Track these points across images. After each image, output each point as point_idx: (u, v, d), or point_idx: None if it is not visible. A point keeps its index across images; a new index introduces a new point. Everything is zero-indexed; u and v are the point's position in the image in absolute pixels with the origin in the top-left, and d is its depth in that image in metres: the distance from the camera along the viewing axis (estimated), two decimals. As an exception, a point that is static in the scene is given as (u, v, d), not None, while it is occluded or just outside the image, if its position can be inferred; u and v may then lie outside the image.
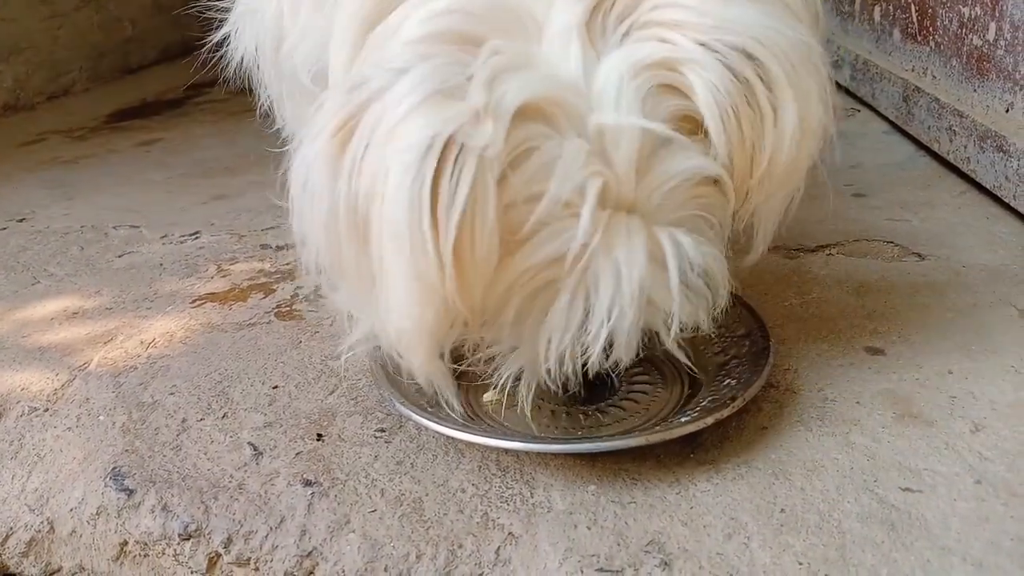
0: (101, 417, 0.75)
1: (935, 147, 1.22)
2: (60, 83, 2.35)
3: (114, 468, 0.68)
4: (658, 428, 0.64)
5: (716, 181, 0.57)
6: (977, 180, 1.09)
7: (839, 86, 1.66)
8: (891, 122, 1.40)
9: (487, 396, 0.75)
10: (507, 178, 0.51)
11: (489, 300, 0.55)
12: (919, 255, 0.93)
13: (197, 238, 1.16)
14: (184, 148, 1.69)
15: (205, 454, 0.69)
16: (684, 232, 0.56)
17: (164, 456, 0.69)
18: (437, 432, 0.66)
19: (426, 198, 0.49)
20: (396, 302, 0.52)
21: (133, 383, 0.80)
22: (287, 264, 1.05)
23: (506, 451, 0.65)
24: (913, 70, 1.32)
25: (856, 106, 1.56)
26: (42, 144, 1.88)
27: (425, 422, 0.65)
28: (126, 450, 0.70)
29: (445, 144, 0.48)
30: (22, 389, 0.81)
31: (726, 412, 0.63)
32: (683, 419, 0.65)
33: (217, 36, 0.84)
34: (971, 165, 1.10)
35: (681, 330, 0.57)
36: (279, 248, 1.10)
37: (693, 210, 0.57)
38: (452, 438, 0.65)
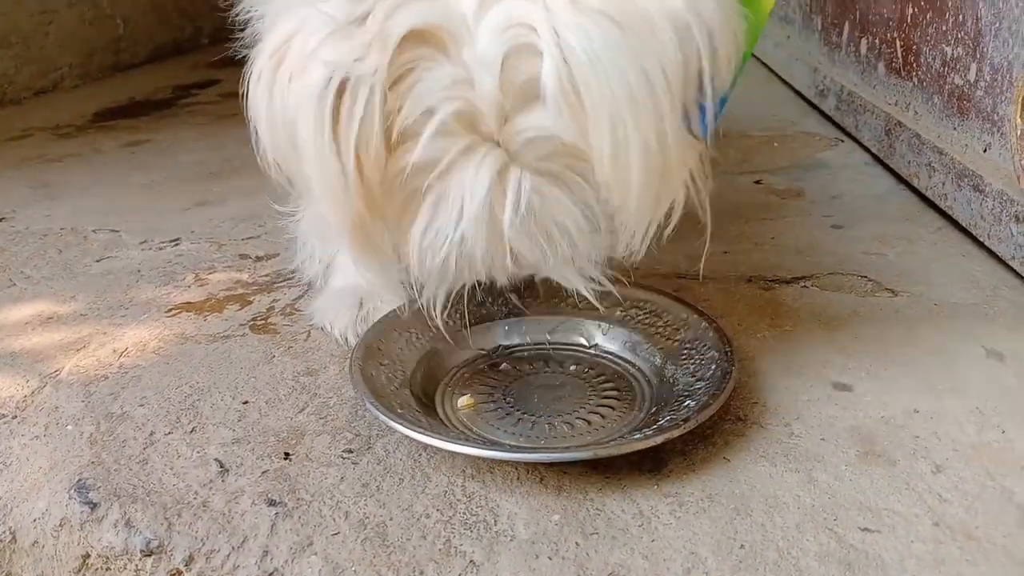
0: (69, 427, 0.75)
1: (914, 182, 1.23)
2: (49, 79, 2.34)
3: (79, 480, 0.68)
4: (612, 443, 0.65)
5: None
6: (954, 217, 1.10)
7: (824, 115, 1.68)
8: (873, 154, 1.41)
9: (461, 401, 0.75)
10: (386, 93, 0.60)
11: (386, 204, 0.64)
12: (892, 291, 0.94)
13: (177, 245, 1.16)
14: (170, 151, 1.69)
15: (171, 469, 0.69)
16: (541, 179, 0.63)
17: (130, 470, 0.69)
18: (402, 433, 0.66)
19: (327, 121, 0.60)
20: (320, 200, 0.64)
21: (103, 393, 0.80)
22: (265, 275, 1.05)
23: (464, 457, 0.66)
24: (896, 104, 1.33)
25: (840, 136, 1.57)
26: (28, 140, 1.87)
27: (393, 424, 0.66)
28: (92, 462, 0.70)
29: (342, 79, 0.59)
30: (-9, 395, 0.81)
31: (676, 433, 0.64)
32: (636, 436, 0.65)
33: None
34: (948, 202, 1.12)
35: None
36: (258, 259, 1.10)
37: (561, 168, 0.63)
38: (416, 440, 0.66)
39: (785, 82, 2.00)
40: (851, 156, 1.47)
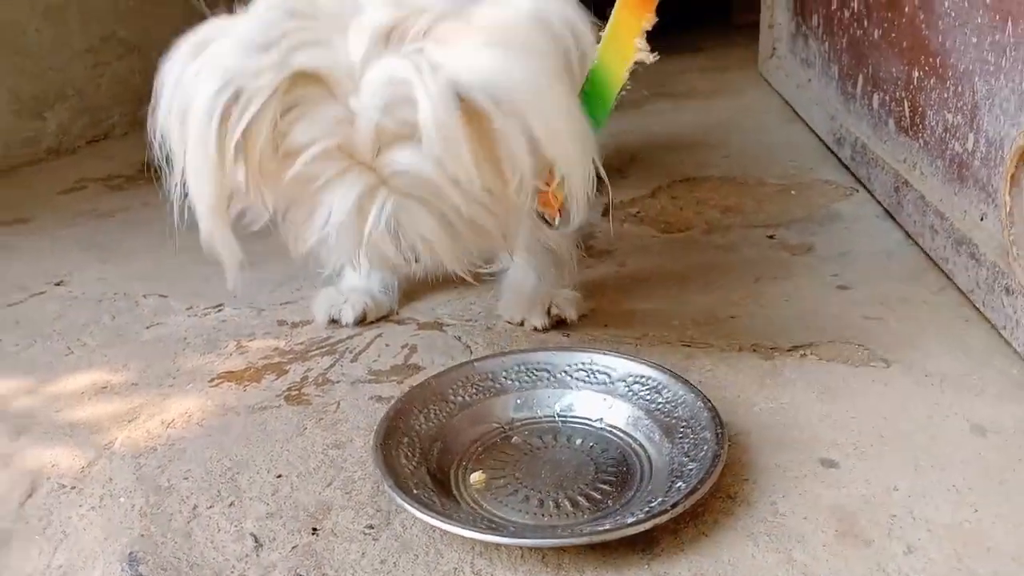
0: (122, 499, 0.83)
1: (920, 241, 1.27)
2: (101, 128, 2.47)
3: (131, 553, 0.76)
4: (607, 526, 0.71)
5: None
6: (954, 281, 1.15)
7: (841, 163, 1.72)
8: (885, 208, 1.45)
9: (474, 477, 0.82)
10: (280, 118, 0.75)
11: (273, 187, 0.81)
12: (886, 360, 0.99)
13: (220, 311, 1.24)
14: (214, 205, 1.79)
15: (212, 543, 0.76)
16: (405, 201, 0.78)
17: (175, 543, 0.77)
18: (416, 517, 0.73)
19: (216, 118, 0.74)
20: (194, 179, 0.78)
21: (152, 465, 0.88)
22: (300, 343, 1.13)
23: (472, 543, 0.72)
24: (904, 162, 1.37)
25: (855, 185, 1.62)
26: (81, 193, 1.99)
27: (408, 507, 0.73)
28: (142, 535, 0.78)
29: (232, 90, 0.73)
30: (52, 465, 0.90)
31: (664, 518, 0.70)
32: (629, 519, 0.71)
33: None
34: (949, 265, 1.16)
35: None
36: (294, 325, 1.19)
37: (425, 194, 0.78)
38: (428, 524, 0.73)
39: (806, 123, 2.04)
40: (864, 208, 1.51)
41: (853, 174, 1.64)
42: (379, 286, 1.21)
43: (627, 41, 0.83)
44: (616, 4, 0.84)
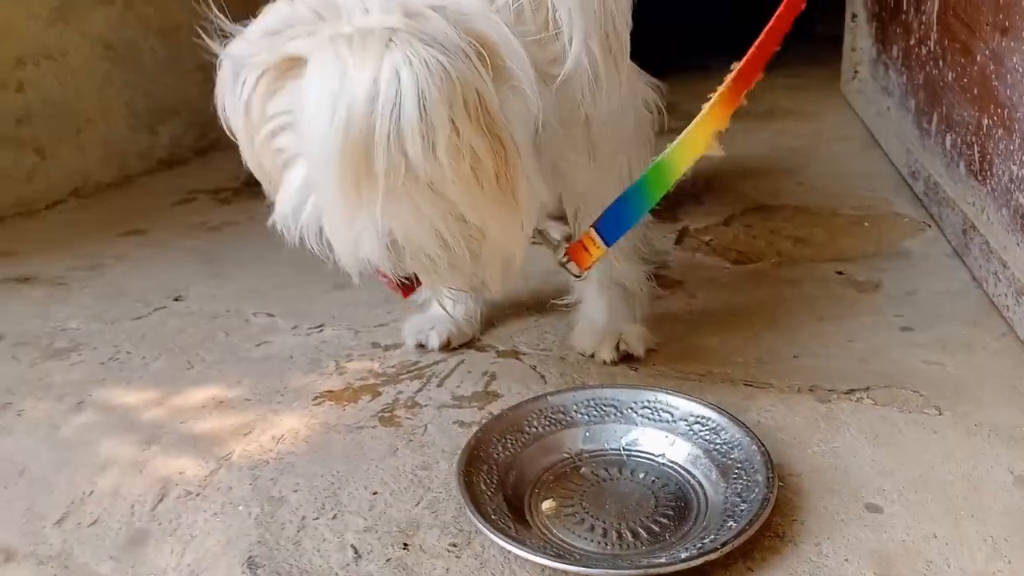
0: (240, 507, 0.96)
1: (984, 286, 1.32)
2: (208, 139, 2.65)
3: (249, 557, 0.88)
4: (663, 559, 0.80)
5: None
6: (1014, 329, 1.19)
7: (915, 196, 1.75)
8: (953, 247, 1.49)
9: (545, 505, 0.92)
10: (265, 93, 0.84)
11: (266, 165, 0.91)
12: (938, 408, 1.05)
13: (321, 331, 1.37)
14: (312, 222, 1.93)
15: (318, 552, 0.88)
16: None
17: (287, 551, 0.89)
18: (492, 541, 0.84)
19: (227, 89, 0.87)
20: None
21: (266, 477, 1.01)
22: (392, 366, 1.24)
23: (543, 567, 0.82)
24: (973, 205, 1.41)
25: (928, 220, 1.65)
26: (192, 205, 2.16)
27: (486, 532, 0.83)
28: (258, 541, 0.90)
29: (241, 63, 0.85)
30: (180, 473, 1.03)
31: (714, 555, 0.79)
32: (683, 555, 0.80)
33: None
34: (1009, 313, 1.20)
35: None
36: (387, 348, 1.30)
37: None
38: (503, 548, 0.83)
39: (885, 152, 2.07)
40: (934, 246, 1.55)
41: (926, 209, 1.68)
42: (463, 314, 1.31)
43: (705, 137, 0.91)
44: (712, 99, 0.91)
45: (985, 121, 1.36)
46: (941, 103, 1.61)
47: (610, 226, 1.00)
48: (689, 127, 0.93)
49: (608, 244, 1.00)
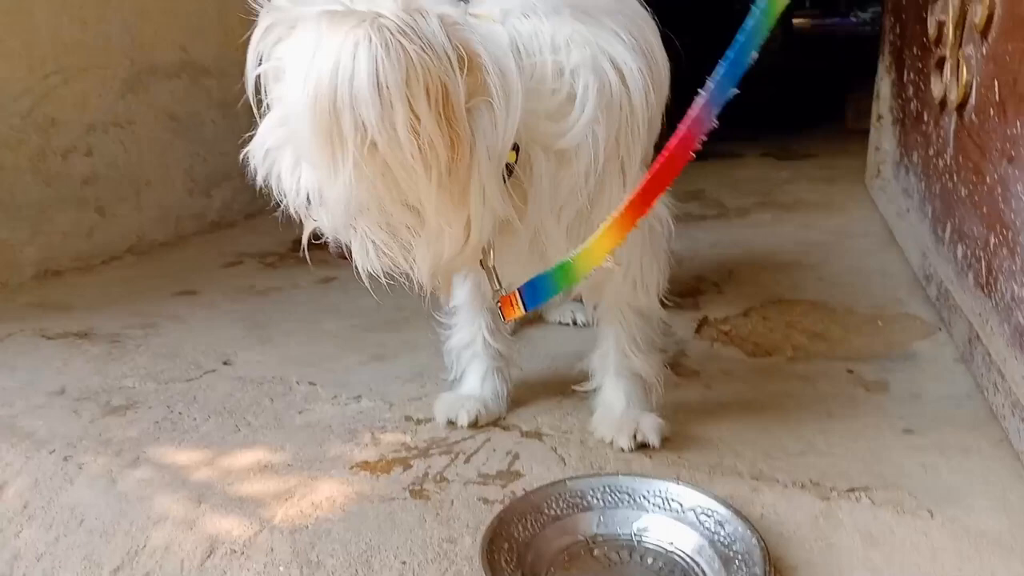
0: (281, 568, 1.05)
1: (985, 393, 1.39)
2: (256, 204, 2.80)
3: (288, 616, 0.97)
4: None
5: None
6: (1009, 438, 1.26)
7: (928, 299, 1.83)
8: (960, 353, 1.57)
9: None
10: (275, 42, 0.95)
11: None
12: (931, 512, 1.12)
13: (359, 402, 1.47)
14: (353, 291, 2.04)
15: (350, 615, 0.97)
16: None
17: (322, 612, 0.97)
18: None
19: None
20: None
21: (304, 541, 1.10)
22: (424, 440, 1.34)
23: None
24: (979, 316, 1.49)
25: (939, 324, 1.73)
26: (240, 268, 2.29)
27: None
28: (296, 601, 0.99)
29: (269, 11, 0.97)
30: (227, 531, 1.13)
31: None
32: None
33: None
34: (1006, 423, 1.28)
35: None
36: (419, 422, 1.40)
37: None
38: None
39: (903, 252, 2.15)
40: (942, 350, 1.63)
41: (938, 313, 1.75)
42: (491, 393, 1.41)
43: (602, 252, 1.01)
44: (607, 222, 1.01)
45: (992, 239, 1.44)
46: (954, 214, 1.70)
47: (528, 296, 1.10)
48: (588, 241, 1.03)
49: (526, 309, 1.10)
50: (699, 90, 0.94)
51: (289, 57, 0.93)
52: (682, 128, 0.95)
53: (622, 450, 1.27)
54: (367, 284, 1.05)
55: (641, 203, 0.99)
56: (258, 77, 0.99)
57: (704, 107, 0.94)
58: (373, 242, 1.00)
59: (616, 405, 1.33)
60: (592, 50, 1.09)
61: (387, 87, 0.87)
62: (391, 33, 0.87)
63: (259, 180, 1.04)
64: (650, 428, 1.28)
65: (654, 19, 1.29)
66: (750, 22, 0.91)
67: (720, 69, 0.93)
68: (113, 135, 2.39)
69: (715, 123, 0.94)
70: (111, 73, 2.36)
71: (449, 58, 0.91)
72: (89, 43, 2.28)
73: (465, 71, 0.93)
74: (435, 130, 0.91)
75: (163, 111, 2.51)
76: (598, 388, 1.37)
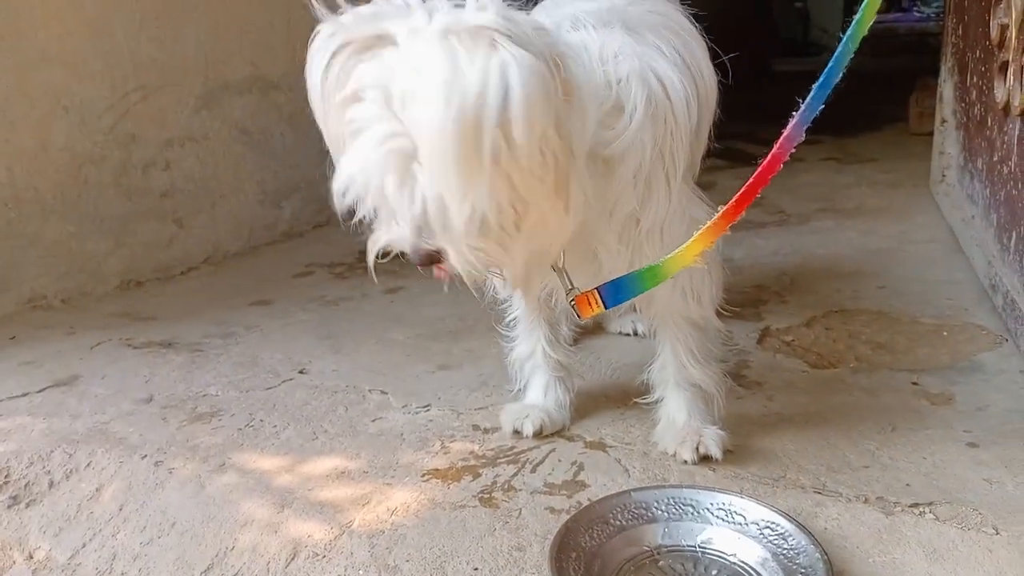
0: (360, 572, 1.11)
1: (1053, 408, 1.39)
2: (324, 215, 2.89)
3: (369, 618, 1.03)
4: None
5: None
6: (1077, 454, 1.26)
7: (994, 308, 1.82)
8: (1027, 365, 1.56)
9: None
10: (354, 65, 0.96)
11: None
12: (995, 528, 1.13)
13: (428, 410, 1.53)
14: (418, 302, 2.11)
15: (427, 618, 1.02)
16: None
17: (401, 615, 1.03)
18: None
19: (315, 53, 0.98)
20: None
21: (381, 546, 1.16)
22: (491, 449, 1.39)
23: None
24: (1046, 328, 1.49)
25: (1005, 335, 1.72)
26: (310, 278, 2.38)
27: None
28: (376, 604, 1.05)
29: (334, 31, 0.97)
30: (308, 536, 1.19)
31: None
32: None
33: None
34: (1074, 439, 1.28)
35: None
36: (486, 431, 1.45)
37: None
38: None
39: (968, 259, 2.13)
40: (1008, 361, 1.62)
41: (1004, 323, 1.74)
42: (554, 404, 1.45)
43: (693, 255, 1.07)
44: (702, 229, 1.06)
45: (1058, 250, 1.44)
46: (1020, 223, 1.69)
47: (609, 294, 1.14)
48: (682, 246, 1.08)
49: (606, 307, 1.15)
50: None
51: (412, 89, 0.90)
52: (776, 145, 1.01)
53: (685, 462, 1.31)
54: (467, 286, 1.07)
55: (735, 211, 1.04)
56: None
57: (796, 126, 1.01)
58: (470, 245, 0.99)
59: (678, 417, 1.36)
60: (640, 63, 1.13)
61: (532, 103, 0.89)
62: (522, 50, 0.89)
63: (347, 199, 1.01)
64: (712, 440, 1.31)
65: (702, 35, 1.33)
66: (839, 48, 0.97)
67: (812, 92, 1.00)
68: (189, 149, 2.49)
69: (803, 137, 1.02)
70: (186, 90, 2.46)
71: (549, 66, 0.93)
72: (165, 61, 2.38)
73: (559, 76, 0.96)
74: (556, 142, 0.95)
75: (235, 125, 2.61)
76: (659, 400, 1.40)
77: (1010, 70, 1.75)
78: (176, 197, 2.47)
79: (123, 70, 2.28)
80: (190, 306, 2.16)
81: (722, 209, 1.06)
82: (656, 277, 1.11)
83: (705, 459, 1.31)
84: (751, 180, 1.03)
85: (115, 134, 2.29)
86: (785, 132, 1.01)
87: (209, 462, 1.38)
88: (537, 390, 1.47)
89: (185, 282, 2.39)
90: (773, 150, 1.02)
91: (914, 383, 1.57)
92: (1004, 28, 1.79)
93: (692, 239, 1.07)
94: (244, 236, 2.64)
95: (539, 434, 1.41)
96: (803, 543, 1.05)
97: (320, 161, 2.91)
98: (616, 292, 1.14)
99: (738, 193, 1.04)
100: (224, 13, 2.52)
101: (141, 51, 2.32)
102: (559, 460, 1.36)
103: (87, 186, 2.23)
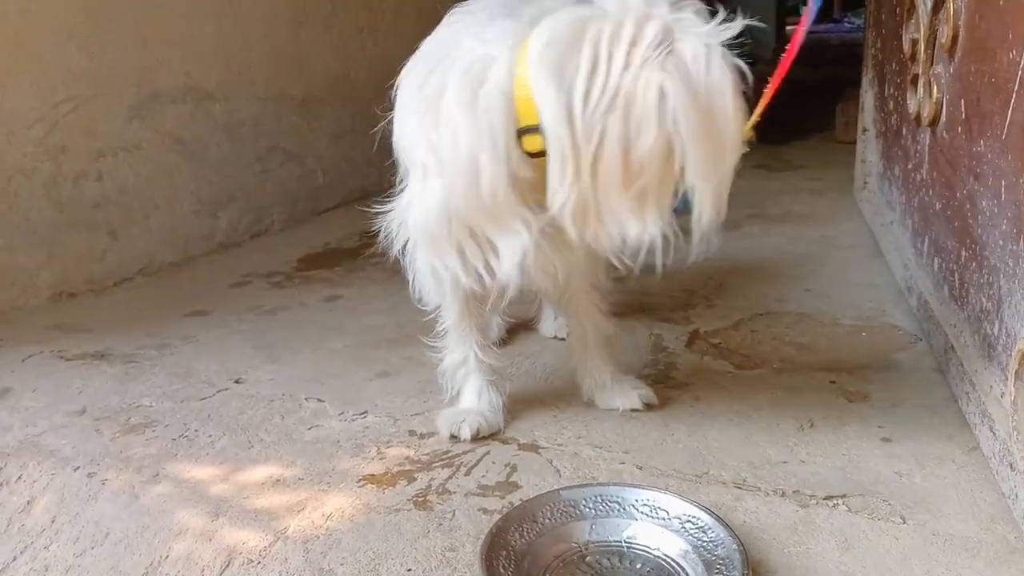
0: (295, 577, 1.13)
1: (959, 403, 1.47)
2: (262, 224, 2.89)
3: (303, 621, 1.05)
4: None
5: None
6: (980, 446, 1.34)
7: (911, 310, 1.90)
8: (938, 363, 1.64)
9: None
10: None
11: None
12: (903, 517, 1.19)
13: (365, 417, 1.55)
14: (359, 309, 2.13)
15: (360, 619, 1.04)
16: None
17: (334, 617, 1.05)
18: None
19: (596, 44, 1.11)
20: None
21: (316, 551, 1.17)
22: (426, 454, 1.41)
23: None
24: (954, 327, 1.57)
25: (920, 335, 1.80)
26: (248, 288, 2.37)
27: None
28: (310, 607, 1.07)
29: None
30: (243, 543, 1.20)
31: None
32: None
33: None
34: (976, 431, 1.35)
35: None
36: (422, 436, 1.48)
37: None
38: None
39: (888, 263, 2.23)
40: (922, 360, 1.70)
41: (919, 324, 1.83)
42: (488, 407, 1.49)
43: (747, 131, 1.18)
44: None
45: (963, 253, 1.52)
46: (931, 228, 1.78)
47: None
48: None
49: (678, 213, 1.25)
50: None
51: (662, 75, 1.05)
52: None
53: (634, 410, 1.51)
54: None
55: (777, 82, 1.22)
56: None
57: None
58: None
59: (603, 375, 1.54)
60: None
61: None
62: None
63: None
64: (646, 391, 1.53)
65: None
66: None
67: None
68: (122, 160, 2.47)
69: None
70: (117, 100, 2.44)
71: None
72: (95, 71, 2.36)
73: None
74: None
75: (169, 135, 2.59)
76: (582, 365, 1.55)
77: (920, 82, 1.84)
78: (109, 208, 2.44)
79: (51, 81, 2.25)
80: (124, 317, 2.14)
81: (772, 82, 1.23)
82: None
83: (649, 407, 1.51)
84: (789, 52, 1.21)
85: (45, 145, 2.25)
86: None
87: (143, 472, 1.38)
88: (471, 395, 1.50)
89: (119, 294, 2.36)
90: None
91: (832, 382, 1.64)
92: (915, 43, 1.88)
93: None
94: (179, 247, 2.62)
95: (476, 437, 1.45)
96: (722, 535, 1.10)
97: (258, 170, 2.91)
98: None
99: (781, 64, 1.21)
100: (155, 23, 2.50)
101: (70, 61, 2.29)
102: (493, 462, 1.39)
103: (17, 198, 2.19)
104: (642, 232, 1.14)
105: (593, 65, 1.07)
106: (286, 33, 2.94)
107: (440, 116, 1.19)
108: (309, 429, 1.52)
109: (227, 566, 1.16)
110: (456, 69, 1.17)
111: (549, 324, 1.90)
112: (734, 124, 1.08)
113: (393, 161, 1.37)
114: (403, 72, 1.32)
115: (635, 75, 1.06)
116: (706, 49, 1.06)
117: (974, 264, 1.45)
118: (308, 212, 3.07)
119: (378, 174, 3.47)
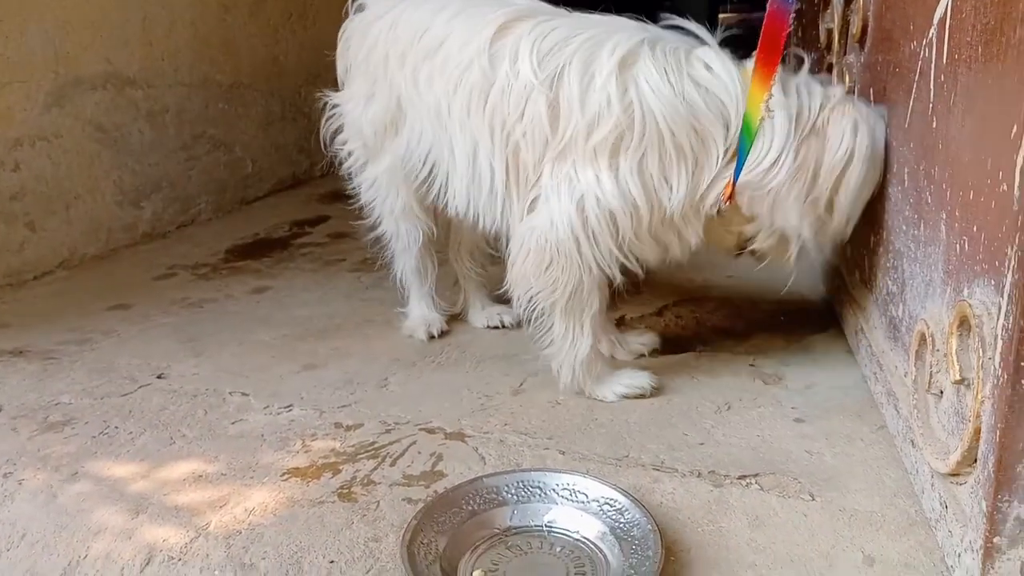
0: (216, 572, 1.12)
1: (868, 383, 1.52)
2: (189, 214, 2.84)
3: (224, 616, 1.05)
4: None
5: None
6: (886, 424, 1.40)
7: (828, 294, 1.97)
8: (849, 345, 1.70)
9: (475, 573, 1.09)
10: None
11: None
12: (811, 495, 1.24)
13: (290, 411, 1.54)
14: (287, 301, 2.11)
15: (282, 612, 1.05)
16: None
17: (256, 611, 1.05)
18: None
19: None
20: None
21: (238, 546, 1.17)
22: (352, 446, 1.42)
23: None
24: (864, 310, 1.63)
25: (835, 319, 1.87)
26: (172, 280, 2.33)
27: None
28: (232, 602, 1.07)
29: None
30: (163, 540, 1.19)
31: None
32: None
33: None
34: (883, 410, 1.41)
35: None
36: (348, 428, 1.48)
37: None
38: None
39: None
40: (836, 342, 1.76)
41: (834, 307, 1.89)
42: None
43: (758, 105, 1.36)
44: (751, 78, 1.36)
45: (872, 237, 1.58)
46: (844, 215, 1.83)
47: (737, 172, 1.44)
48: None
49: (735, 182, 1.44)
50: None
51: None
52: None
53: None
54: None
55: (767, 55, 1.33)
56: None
57: None
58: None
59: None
60: None
61: None
62: None
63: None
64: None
65: None
66: None
67: None
68: (40, 149, 2.39)
69: None
70: (35, 86, 2.36)
71: None
72: (11, 57, 2.28)
73: None
74: None
75: (89, 123, 2.52)
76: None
77: (835, 71, 1.89)
78: (27, 199, 2.37)
79: (-37, 67, 2.18)
80: (43, 312, 2.08)
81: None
82: (750, 134, 1.38)
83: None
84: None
85: (-43, 134, 2.18)
86: None
87: (61, 471, 1.36)
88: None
89: (38, 287, 2.30)
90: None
91: (751, 364, 1.69)
92: (830, 32, 1.94)
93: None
94: (102, 238, 2.56)
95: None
96: (637, 517, 1.13)
97: (184, 158, 2.85)
98: (737, 168, 1.42)
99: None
100: (74, 7, 2.43)
101: (-16, 47, 2.21)
102: (419, 452, 1.40)
103: (-74, 189, 2.12)
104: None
105: None
106: (213, 18, 2.88)
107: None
108: (233, 424, 1.51)
109: (147, 563, 1.15)
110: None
111: (478, 314, 1.92)
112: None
113: (322, 147, 1.36)
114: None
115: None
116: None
117: (881, 248, 1.51)
118: (236, 201, 3.02)
119: (308, 162, 3.47)
